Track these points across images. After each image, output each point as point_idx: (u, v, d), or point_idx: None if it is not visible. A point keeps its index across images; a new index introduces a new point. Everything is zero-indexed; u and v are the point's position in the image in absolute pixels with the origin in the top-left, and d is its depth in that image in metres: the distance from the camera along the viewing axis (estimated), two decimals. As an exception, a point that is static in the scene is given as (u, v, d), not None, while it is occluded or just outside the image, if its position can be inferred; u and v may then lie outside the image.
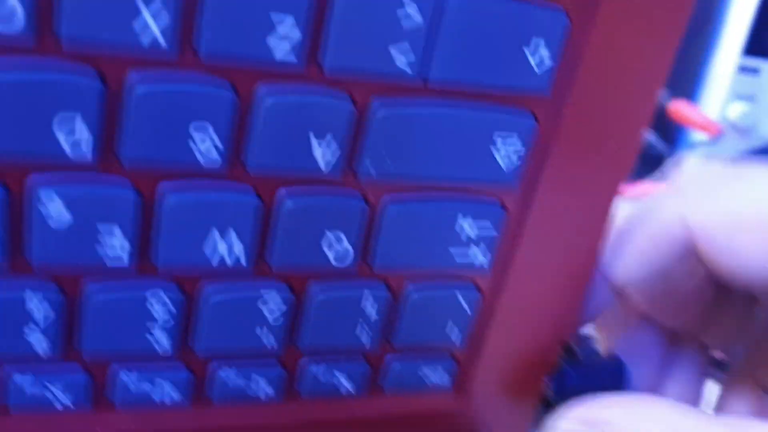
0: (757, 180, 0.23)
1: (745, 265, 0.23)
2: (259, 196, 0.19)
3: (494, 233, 0.21)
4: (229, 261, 0.19)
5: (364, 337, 0.22)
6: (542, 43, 0.19)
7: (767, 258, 0.22)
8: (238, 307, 0.20)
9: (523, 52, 0.19)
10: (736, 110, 0.72)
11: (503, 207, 0.21)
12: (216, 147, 0.17)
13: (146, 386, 0.21)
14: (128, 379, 0.20)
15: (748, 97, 0.73)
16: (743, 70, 0.72)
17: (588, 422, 0.21)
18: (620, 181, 0.22)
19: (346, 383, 0.23)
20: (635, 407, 0.20)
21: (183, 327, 0.20)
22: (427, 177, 0.20)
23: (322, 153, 0.18)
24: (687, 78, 0.74)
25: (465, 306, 0.23)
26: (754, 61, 0.72)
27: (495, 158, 0.20)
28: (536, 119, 0.20)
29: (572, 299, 0.24)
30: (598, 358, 0.29)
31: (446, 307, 0.23)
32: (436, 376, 0.24)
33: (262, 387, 0.22)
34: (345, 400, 0.24)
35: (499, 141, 0.20)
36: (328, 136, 0.18)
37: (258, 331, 0.21)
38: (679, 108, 0.70)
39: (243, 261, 0.19)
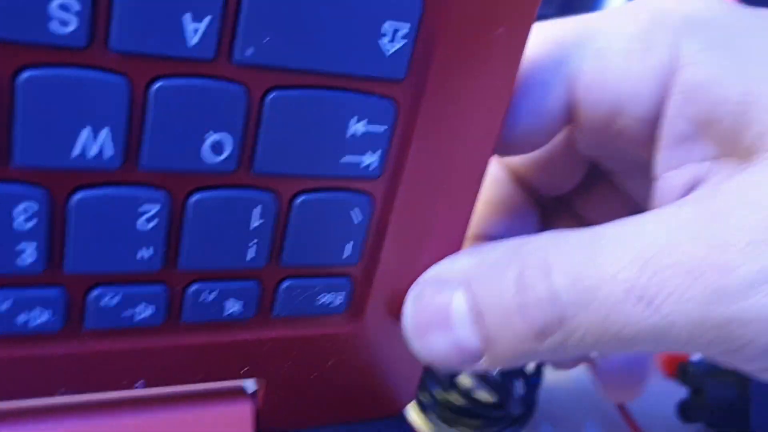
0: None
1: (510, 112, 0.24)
2: (128, 80, 0.17)
3: (383, 129, 0.20)
4: (95, 155, 0.17)
5: (251, 252, 0.21)
6: None
7: (527, 97, 0.24)
8: (109, 211, 0.18)
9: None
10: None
11: (392, 100, 0.20)
12: (78, 21, 0.16)
13: (11, 306, 0.19)
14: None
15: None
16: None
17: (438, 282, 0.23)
18: (515, 69, 0.21)
19: (232, 304, 0.22)
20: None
21: (51, 237, 0.18)
22: (311, 63, 0.18)
23: (194, 29, 0.17)
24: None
25: (357, 215, 0.22)
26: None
27: (380, 44, 0.19)
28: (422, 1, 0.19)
29: (468, 201, 0.23)
30: None
31: (336, 216, 0.21)
32: (329, 296, 0.23)
33: (141, 308, 0.20)
34: (231, 324, 0.22)
35: (384, 25, 0.19)
36: (200, 10, 0.17)
37: (132, 241, 0.19)
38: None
39: (112, 156, 0.17)
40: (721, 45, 0.21)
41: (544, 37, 0.24)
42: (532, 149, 0.26)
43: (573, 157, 0.28)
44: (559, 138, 0.26)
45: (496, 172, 0.30)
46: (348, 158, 0.20)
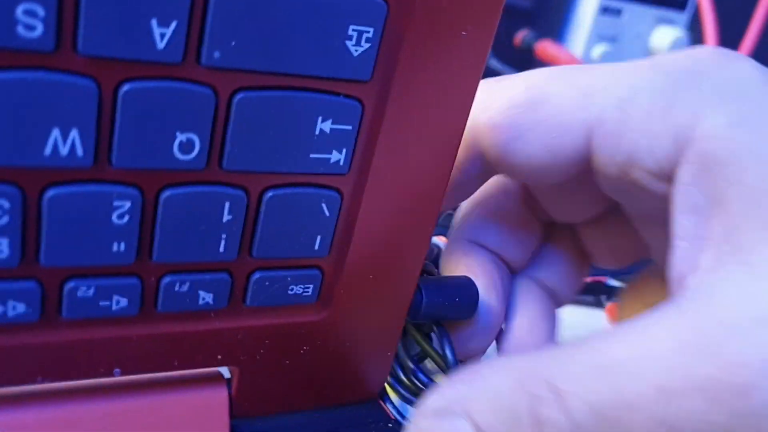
0: (522, 75, 0.25)
1: (526, 146, 0.24)
2: (96, 83, 0.17)
3: (350, 128, 0.21)
4: (67, 154, 0.18)
5: (222, 245, 0.22)
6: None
7: (543, 134, 0.24)
8: (82, 208, 0.19)
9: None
10: (599, 51, 0.74)
11: (358, 100, 0.21)
12: (44, 26, 0.16)
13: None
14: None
15: (610, 38, 0.75)
16: (605, 11, 0.74)
17: (438, 413, 0.21)
18: (479, 70, 0.22)
19: (205, 295, 0.22)
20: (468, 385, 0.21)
21: (25, 232, 0.19)
22: (277, 65, 0.19)
23: (162, 33, 0.17)
24: (553, 19, 0.75)
25: (325, 209, 0.22)
26: (616, 3, 0.74)
27: (346, 47, 0.19)
28: (387, 2, 0.19)
29: (434, 198, 0.24)
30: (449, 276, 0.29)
31: (305, 211, 0.22)
32: (300, 286, 0.24)
33: (116, 299, 0.21)
34: (205, 313, 0.23)
35: (349, 28, 0.19)
36: (167, 14, 0.17)
37: (106, 235, 0.20)
38: (545, 47, 0.72)
39: (84, 155, 0.18)
40: (748, 123, 0.20)
41: (573, 82, 0.24)
42: (547, 183, 0.26)
43: (593, 194, 0.27)
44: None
45: (509, 184, 0.30)
46: (316, 155, 0.21)
